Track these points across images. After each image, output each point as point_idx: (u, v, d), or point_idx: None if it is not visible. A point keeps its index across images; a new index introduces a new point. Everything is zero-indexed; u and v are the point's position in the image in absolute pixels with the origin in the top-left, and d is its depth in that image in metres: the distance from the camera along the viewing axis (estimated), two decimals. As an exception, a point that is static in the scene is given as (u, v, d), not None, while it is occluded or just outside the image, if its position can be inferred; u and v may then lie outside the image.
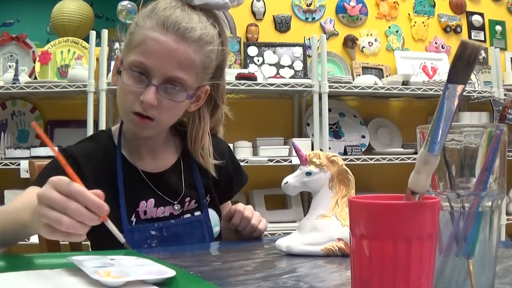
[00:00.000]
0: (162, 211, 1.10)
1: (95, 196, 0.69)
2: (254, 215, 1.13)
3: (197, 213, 1.14)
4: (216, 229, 1.16)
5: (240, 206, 1.13)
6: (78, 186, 0.69)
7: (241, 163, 1.44)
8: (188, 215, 1.13)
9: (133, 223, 1.06)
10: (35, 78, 2.58)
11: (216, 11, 1.10)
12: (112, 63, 2.57)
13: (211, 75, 1.10)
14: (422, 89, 2.74)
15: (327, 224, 0.91)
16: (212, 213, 1.16)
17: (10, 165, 2.31)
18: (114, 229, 0.70)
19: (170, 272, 0.67)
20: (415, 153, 2.09)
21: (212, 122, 1.17)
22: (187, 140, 1.15)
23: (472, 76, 2.97)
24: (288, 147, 2.59)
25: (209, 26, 1.05)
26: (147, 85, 0.99)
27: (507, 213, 2.83)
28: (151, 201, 1.09)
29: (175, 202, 1.11)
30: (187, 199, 1.13)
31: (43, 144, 2.61)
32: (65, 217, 0.67)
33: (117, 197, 1.05)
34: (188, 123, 1.16)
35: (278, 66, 2.84)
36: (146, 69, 0.99)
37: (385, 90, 2.70)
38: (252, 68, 2.78)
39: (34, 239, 2.26)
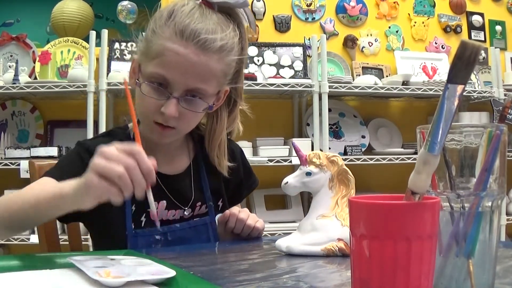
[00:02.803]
0: (173, 214, 1.09)
1: (150, 163, 0.72)
2: (250, 216, 1.13)
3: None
4: None
5: (235, 209, 1.13)
6: (139, 147, 0.73)
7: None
8: (197, 219, 1.12)
9: (142, 223, 1.06)
10: (35, 78, 2.58)
11: (236, 9, 1.06)
12: (112, 63, 2.59)
13: (231, 79, 1.09)
14: (422, 89, 2.74)
15: (327, 224, 0.91)
16: None
17: (10, 165, 2.31)
18: (152, 200, 0.73)
19: (170, 272, 0.67)
20: (415, 153, 2.09)
21: (228, 122, 1.15)
22: (203, 141, 1.15)
23: (472, 76, 2.97)
24: (288, 147, 2.59)
25: (230, 32, 1.01)
26: (168, 97, 0.98)
27: (507, 213, 2.83)
28: (163, 203, 1.08)
29: (186, 208, 1.11)
30: (198, 203, 1.13)
31: (43, 144, 2.61)
32: (122, 168, 0.69)
33: None
34: (206, 123, 1.15)
35: (278, 66, 2.84)
36: (167, 81, 0.98)
37: (385, 90, 2.70)
38: (252, 68, 2.78)
39: (34, 239, 2.27)
